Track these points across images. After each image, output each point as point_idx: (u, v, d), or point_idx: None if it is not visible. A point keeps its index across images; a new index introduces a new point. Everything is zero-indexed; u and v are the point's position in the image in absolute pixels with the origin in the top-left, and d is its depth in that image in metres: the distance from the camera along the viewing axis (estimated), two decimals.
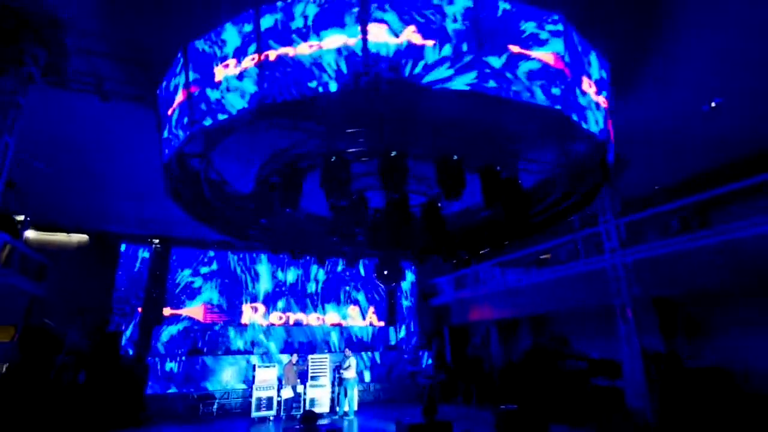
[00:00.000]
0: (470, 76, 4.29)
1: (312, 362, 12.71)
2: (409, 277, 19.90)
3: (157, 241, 16.51)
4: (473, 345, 17.96)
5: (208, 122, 4.84)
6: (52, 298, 14.53)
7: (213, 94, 4.78)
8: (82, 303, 15.00)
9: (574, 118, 4.97)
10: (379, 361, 15.69)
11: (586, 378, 13.18)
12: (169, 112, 5.38)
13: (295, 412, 12.12)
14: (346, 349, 13.05)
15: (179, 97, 5.14)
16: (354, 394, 12.39)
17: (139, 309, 15.79)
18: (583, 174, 6.43)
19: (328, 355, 13.22)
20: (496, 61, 4.39)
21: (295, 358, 12.37)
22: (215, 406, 12.62)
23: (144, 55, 5.88)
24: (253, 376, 12.11)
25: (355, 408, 12.27)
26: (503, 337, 17.55)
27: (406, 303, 19.53)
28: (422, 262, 9.54)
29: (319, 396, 12.32)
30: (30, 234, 15.47)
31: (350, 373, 12.38)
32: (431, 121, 5.64)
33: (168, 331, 15.29)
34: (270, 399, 11.76)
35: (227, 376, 13.45)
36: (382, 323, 18.64)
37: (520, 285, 14.62)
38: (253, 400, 11.65)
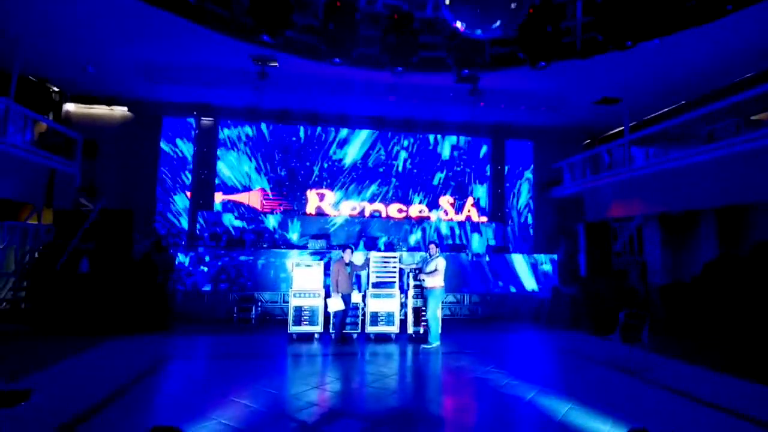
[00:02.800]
0: None
1: (374, 262, 8.62)
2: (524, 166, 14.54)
3: (202, 113, 13.39)
4: (616, 252, 12.64)
5: None
6: (97, 177, 12.74)
7: None
8: (124, 183, 13.03)
9: None
10: (479, 266, 11.29)
11: None
12: None
13: (351, 330, 8.49)
14: (431, 245, 8.56)
15: None
16: (438, 310, 8.17)
17: (188, 193, 13.24)
18: None
19: (399, 253, 8.98)
20: None
21: (348, 254, 8.33)
22: (254, 312, 9.53)
23: None
24: (291, 279, 8.51)
25: (439, 330, 8.08)
26: (666, 241, 12.06)
27: (519, 192, 14.48)
28: None
29: (385, 310, 8.36)
30: (70, 107, 13.44)
31: (435, 280, 8.04)
32: None
33: (215, 219, 12.55)
34: (314, 310, 8.19)
35: (276, 276, 10.27)
36: (484, 219, 14.01)
37: (710, 156, 8.57)
38: (290, 311, 8.15)
